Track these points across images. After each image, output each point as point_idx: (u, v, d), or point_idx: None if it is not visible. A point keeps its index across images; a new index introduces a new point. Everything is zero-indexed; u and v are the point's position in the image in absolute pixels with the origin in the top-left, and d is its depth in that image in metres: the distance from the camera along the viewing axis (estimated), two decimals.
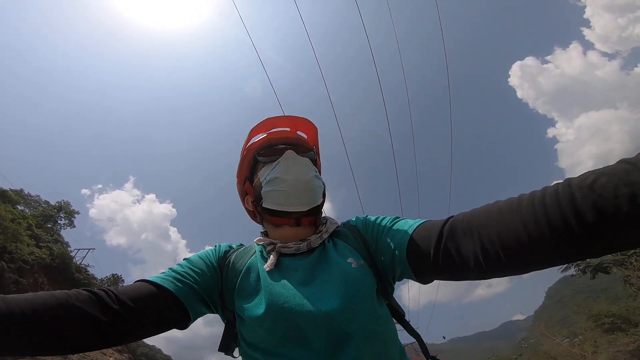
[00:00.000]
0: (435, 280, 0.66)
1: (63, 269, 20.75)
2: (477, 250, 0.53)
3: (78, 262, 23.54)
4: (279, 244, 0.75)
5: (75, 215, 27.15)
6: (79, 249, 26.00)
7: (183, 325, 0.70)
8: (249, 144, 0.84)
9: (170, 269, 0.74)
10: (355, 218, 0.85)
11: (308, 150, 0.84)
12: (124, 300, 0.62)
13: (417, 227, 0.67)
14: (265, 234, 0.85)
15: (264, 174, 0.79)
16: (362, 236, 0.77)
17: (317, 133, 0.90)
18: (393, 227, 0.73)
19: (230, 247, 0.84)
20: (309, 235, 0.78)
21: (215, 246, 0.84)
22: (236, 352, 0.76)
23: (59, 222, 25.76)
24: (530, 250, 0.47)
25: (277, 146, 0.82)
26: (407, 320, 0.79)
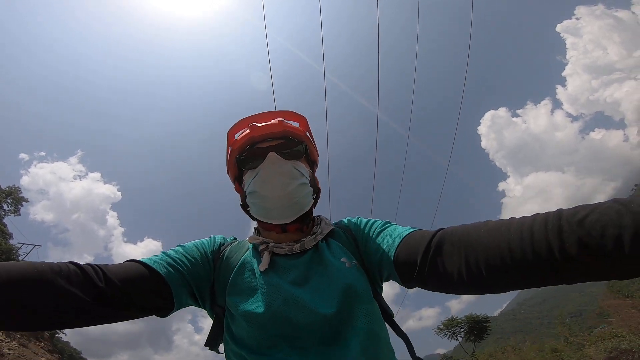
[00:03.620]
0: (418, 287, 0.68)
1: None
2: (461, 267, 0.55)
3: (21, 260, 23.27)
4: (271, 244, 0.76)
5: (23, 203, 26.66)
6: (23, 244, 25.33)
7: (164, 314, 0.69)
8: (232, 141, 0.81)
9: (163, 252, 0.73)
10: (347, 218, 0.87)
11: (296, 145, 0.79)
12: (111, 279, 0.60)
13: (406, 235, 0.69)
14: (257, 231, 0.84)
15: (247, 182, 0.79)
16: (354, 237, 0.80)
17: (307, 122, 0.85)
18: (383, 232, 0.75)
19: (225, 240, 0.85)
20: (302, 237, 0.79)
21: (210, 237, 0.83)
22: (221, 348, 0.76)
23: (4, 207, 25.19)
24: (513, 273, 0.50)
25: (261, 145, 0.78)
26: (396, 321, 0.80)
